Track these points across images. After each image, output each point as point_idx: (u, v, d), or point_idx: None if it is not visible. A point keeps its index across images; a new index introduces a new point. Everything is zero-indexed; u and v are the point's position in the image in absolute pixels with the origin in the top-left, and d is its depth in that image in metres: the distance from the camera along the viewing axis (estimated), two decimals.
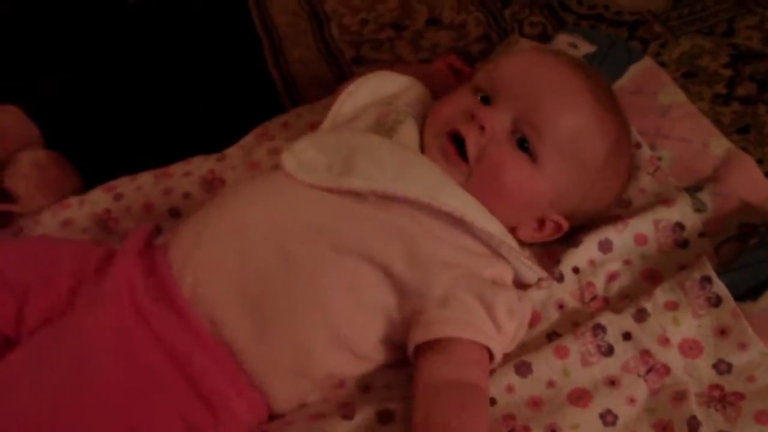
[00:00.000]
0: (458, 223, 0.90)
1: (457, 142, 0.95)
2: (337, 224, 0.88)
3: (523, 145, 0.94)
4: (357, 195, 0.89)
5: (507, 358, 0.91)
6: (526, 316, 0.93)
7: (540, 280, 0.96)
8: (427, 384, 0.85)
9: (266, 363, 0.86)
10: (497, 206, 0.92)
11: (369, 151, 0.92)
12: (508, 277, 0.94)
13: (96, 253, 0.93)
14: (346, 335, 0.87)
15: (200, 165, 1.14)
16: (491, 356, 0.88)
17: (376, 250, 0.87)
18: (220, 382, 0.84)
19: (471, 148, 0.93)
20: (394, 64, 1.36)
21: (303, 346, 0.87)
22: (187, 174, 1.13)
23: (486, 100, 0.96)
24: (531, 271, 0.95)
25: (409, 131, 0.98)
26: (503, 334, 0.88)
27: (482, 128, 0.93)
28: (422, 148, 0.98)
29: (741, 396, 0.88)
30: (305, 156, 0.92)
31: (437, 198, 0.88)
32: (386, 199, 0.88)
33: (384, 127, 0.98)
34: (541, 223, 0.97)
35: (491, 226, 0.91)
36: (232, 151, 1.16)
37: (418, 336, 0.86)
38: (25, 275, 0.90)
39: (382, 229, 0.88)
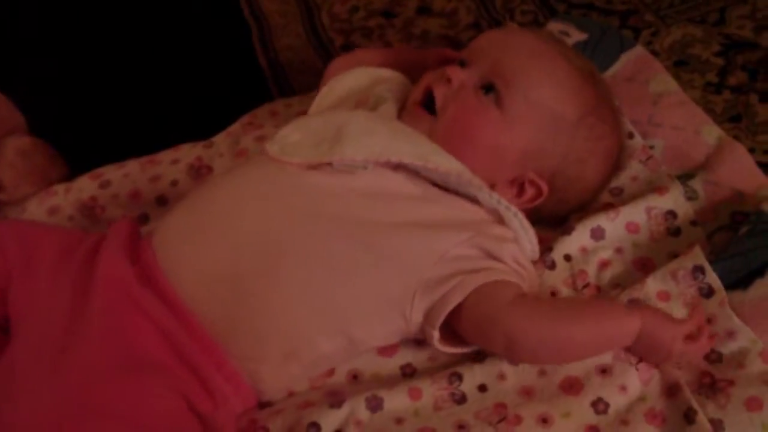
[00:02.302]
0: (451, 191, 0.90)
1: (429, 100, 0.96)
2: (327, 205, 0.88)
3: (490, 92, 0.94)
4: (348, 168, 0.88)
5: None
6: (533, 276, 0.93)
7: (533, 264, 0.95)
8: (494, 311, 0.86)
9: (255, 349, 0.85)
10: (466, 156, 0.92)
11: (359, 124, 0.92)
12: (509, 236, 0.93)
13: (81, 241, 0.92)
14: (340, 318, 0.86)
15: (188, 152, 1.13)
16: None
17: (370, 226, 0.87)
18: (209, 367, 0.84)
19: (438, 99, 0.95)
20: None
21: (295, 331, 0.86)
22: (174, 161, 1.12)
23: (462, 65, 0.98)
24: (527, 238, 0.93)
25: (390, 109, 0.99)
26: (517, 272, 0.89)
27: (449, 81, 0.95)
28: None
29: (731, 382, 0.87)
30: (290, 140, 0.92)
31: (432, 160, 0.89)
32: (379, 166, 0.88)
33: (366, 107, 0.99)
34: (520, 186, 0.96)
35: (483, 185, 0.91)
36: (220, 139, 1.15)
37: (446, 305, 0.86)
38: (8, 258, 0.89)
39: (375, 203, 0.88)
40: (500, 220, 0.93)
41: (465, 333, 0.88)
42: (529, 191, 0.97)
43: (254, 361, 0.86)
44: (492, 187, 0.94)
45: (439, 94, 0.95)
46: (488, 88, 0.94)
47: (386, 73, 1.07)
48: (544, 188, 0.96)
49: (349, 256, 0.86)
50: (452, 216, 0.91)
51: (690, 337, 0.86)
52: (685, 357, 0.87)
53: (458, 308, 0.86)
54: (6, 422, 0.79)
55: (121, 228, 0.91)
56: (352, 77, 1.06)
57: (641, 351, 0.88)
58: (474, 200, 0.92)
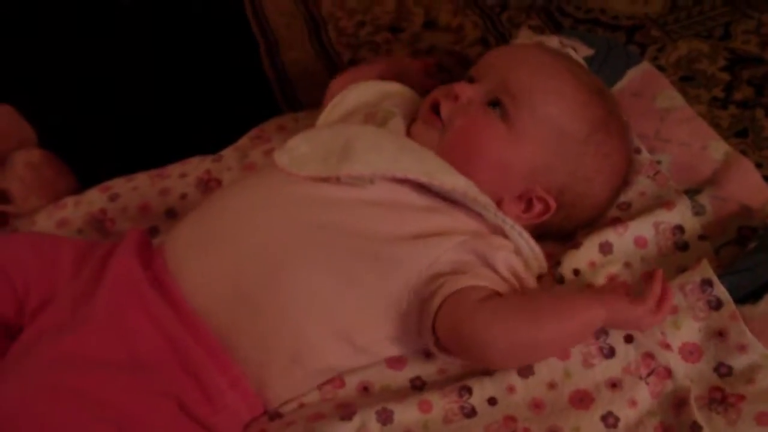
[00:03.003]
0: (458, 205, 0.91)
1: (437, 113, 0.97)
2: (333, 216, 0.88)
3: (496, 108, 0.95)
4: (356, 182, 0.89)
5: None
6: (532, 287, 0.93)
7: (540, 279, 0.96)
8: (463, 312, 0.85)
9: (260, 356, 0.86)
10: (473, 171, 0.92)
11: (367, 138, 0.92)
12: (510, 247, 0.93)
13: (94, 249, 0.93)
14: (345, 326, 0.87)
15: (197, 166, 1.14)
16: None
17: (376, 236, 0.87)
18: (214, 373, 0.84)
19: (444, 111, 0.96)
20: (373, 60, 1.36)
21: (300, 338, 0.87)
22: (183, 175, 1.12)
23: (471, 82, 0.98)
24: (533, 254, 0.94)
25: (397, 125, 0.99)
26: (507, 281, 0.89)
27: (457, 98, 0.96)
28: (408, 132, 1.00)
29: (741, 398, 0.87)
30: (298, 152, 0.92)
31: (437, 177, 0.89)
32: (386, 181, 0.89)
33: (374, 122, 0.99)
34: (528, 202, 0.97)
35: (491, 203, 0.91)
36: (229, 153, 1.16)
37: (430, 309, 0.86)
38: (28, 270, 0.90)
39: (381, 214, 0.89)
40: (504, 234, 0.93)
41: (444, 341, 0.87)
42: (537, 207, 0.97)
43: (260, 368, 0.86)
44: (499, 202, 0.94)
45: (446, 108, 0.96)
46: (495, 103, 0.95)
47: (394, 87, 1.08)
48: (552, 204, 0.97)
49: (353, 266, 0.87)
50: (456, 227, 0.91)
51: (652, 311, 0.87)
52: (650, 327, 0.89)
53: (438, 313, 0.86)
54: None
55: (134, 236, 0.92)
56: (359, 91, 1.06)
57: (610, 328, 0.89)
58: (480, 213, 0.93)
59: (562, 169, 0.96)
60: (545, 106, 0.95)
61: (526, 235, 0.93)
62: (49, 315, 0.87)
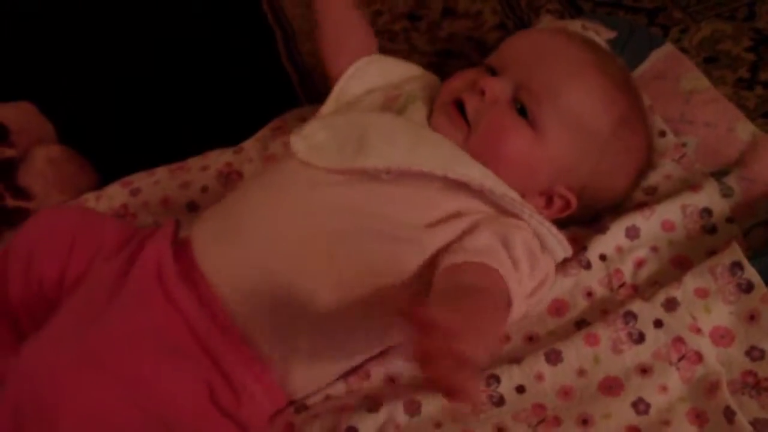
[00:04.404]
0: (476, 194, 0.89)
1: (461, 109, 0.94)
2: (352, 201, 0.88)
3: (523, 112, 0.92)
4: (371, 174, 0.88)
5: (537, 346, 0.90)
6: (549, 274, 0.92)
7: (566, 263, 0.95)
8: (443, 283, 0.81)
9: (286, 346, 0.86)
10: (497, 171, 0.91)
11: (381, 129, 0.92)
12: (529, 232, 0.91)
13: (137, 233, 0.94)
14: (365, 313, 0.86)
15: (217, 158, 1.13)
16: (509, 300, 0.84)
17: (395, 222, 0.86)
18: (238, 365, 0.84)
19: (470, 110, 0.93)
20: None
21: (323, 329, 0.86)
22: (204, 168, 1.12)
23: (493, 73, 0.96)
24: (556, 240, 0.92)
25: (418, 111, 0.98)
26: (520, 271, 0.85)
27: (482, 93, 0.93)
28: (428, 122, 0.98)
29: None
30: (315, 139, 0.92)
31: (452, 169, 0.88)
32: (402, 175, 0.88)
33: (393, 108, 0.98)
34: (549, 198, 0.96)
35: (511, 193, 0.90)
36: (249, 144, 1.15)
37: (440, 268, 0.84)
38: (76, 231, 0.93)
39: (398, 203, 0.88)
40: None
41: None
42: (558, 203, 0.96)
43: (284, 360, 0.86)
44: (521, 197, 0.93)
45: (471, 106, 0.94)
46: (521, 106, 0.93)
47: (417, 70, 1.07)
48: (573, 202, 0.96)
49: (373, 251, 0.86)
50: (473, 209, 0.90)
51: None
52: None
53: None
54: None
55: (170, 226, 0.92)
56: (382, 68, 1.05)
57: None
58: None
59: (585, 168, 0.95)
60: (572, 108, 0.93)
61: (547, 223, 0.92)
62: (84, 293, 0.87)
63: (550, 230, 0.92)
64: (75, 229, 0.93)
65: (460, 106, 0.94)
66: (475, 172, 0.89)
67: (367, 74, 1.04)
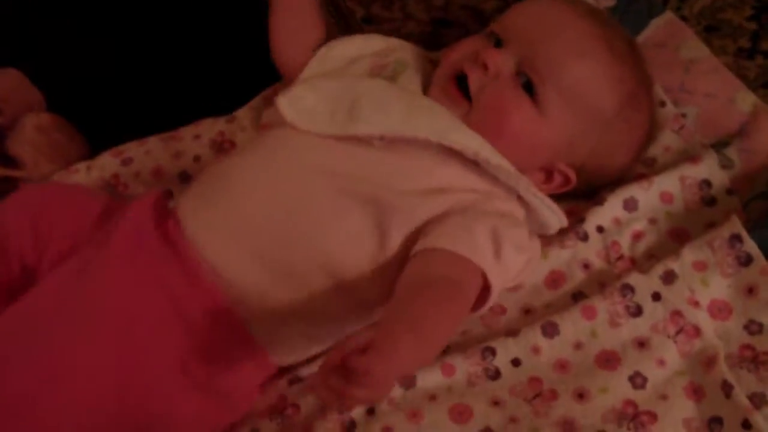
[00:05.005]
0: (470, 164, 0.88)
1: (462, 82, 0.92)
2: (342, 165, 0.87)
3: (527, 88, 0.91)
4: (364, 140, 0.87)
5: (533, 318, 0.89)
6: (536, 252, 0.91)
7: (563, 235, 0.93)
8: (411, 273, 0.81)
9: (265, 305, 0.85)
10: (498, 148, 0.89)
11: (374, 96, 0.90)
12: (519, 215, 0.91)
13: (121, 204, 0.93)
14: (346, 274, 0.85)
15: (210, 127, 1.12)
16: (487, 288, 0.83)
17: (381, 187, 0.85)
18: (224, 334, 0.84)
19: (472, 85, 0.91)
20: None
21: (301, 284, 0.85)
22: (196, 137, 1.11)
23: (498, 44, 0.94)
24: (550, 211, 0.92)
25: (411, 79, 0.96)
26: (503, 265, 0.84)
27: (485, 67, 0.91)
28: (426, 94, 0.96)
29: None
30: (304, 103, 0.91)
31: (447, 137, 0.86)
32: (395, 142, 0.86)
33: (383, 76, 0.96)
34: (549, 174, 0.94)
35: (506, 164, 0.88)
36: (242, 113, 1.14)
37: (416, 247, 0.83)
38: (55, 210, 0.92)
39: (389, 169, 0.86)
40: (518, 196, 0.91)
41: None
42: (557, 179, 0.95)
43: (267, 319, 0.85)
44: (520, 171, 0.91)
45: (475, 80, 0.91)
46: (525, 82, 0.91)
47: (397, 42, 1.05)
48: (573, 178, 0.94)
49: (359, 213, 0.85)
50: (466, 184, 0.88)
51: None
52: None
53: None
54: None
55: (152, 194, 0.91)
56: (363, 39, 1.04)
57: None
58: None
59: (587, 145, 0.94)
60: (576, 87, 0.91)
61: (540, 195, 0.91)
62: (70, 264, 0.87)
63: (544, 201, 0.91)
64: (51, 207, 0.92)
65: (460, 79, 0.93)
66: (470, 141, 0.87)
67: (347, 49, 1.02)
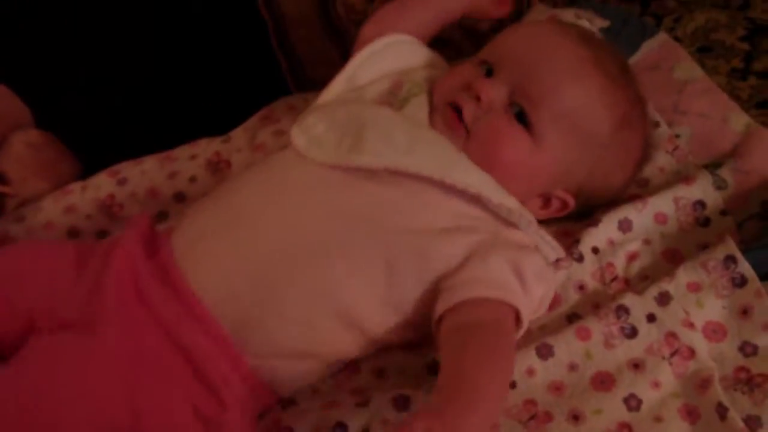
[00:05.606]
0: (473, 199, 0.87)
1: (459, 112, 0.92)
2: (348, 202, 0.86)
3: (521, 117, 0.91)
4: (368, 171, 0.86)
5: (527, 340, 0.89)
6: (554, 281, 0.91)
7: (559, 260, 0.93)
8: (453, 328, 0.81)
9: (273, 345, 0.84)
10: (495, 177, 0.89)
11: (379, 126, 0.90)
12: (530, 242, 0.91)
13: (96, 247, 0.91)
14: (355, 315, 0.85)
15: (206, 147, 1.12)
16: (518, 321, 0.85)
17: (388, 226, 0.85)
18: (223, 366, 0.83)
19: (467, 117, 0.91)
20: None
21: (314, 330, 0.85)
22: (192, 157, 1.11)
23: (489, 72, 0.94)
24: (550, 247, 0.92)
25: (420, 105, 0.96)
26: (530, 296, 0.85)
27: (478, 99, 0.91)
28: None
29: (767, 378, 0.85)
30: (315, 131, 0.91)
31: (450, 175, 0.86)
32: (398, 175, 0.86)
33: (396, 98, 0.96)
34: (546, 199, 0.95)
35: (508, 201, 0.88)
36: (238, 133, 1.14)
37: (443, 304, 0.83)
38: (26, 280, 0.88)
39: (394, 205, 0.86)
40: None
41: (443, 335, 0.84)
42: (555, 204, 0.95)
43: (272, 358, 0.85)
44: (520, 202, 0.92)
45: (468, 112, 0.91)
46: (518, 112, 0.91)
47: (430, 58, 1.04)
48: (571, 203, 0.95)
49: (367, 254, 0.85)
50: (474, 222, 0.88)
51: None
52: None
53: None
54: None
55: (138, 225, 0.90)
56: (396, 52, 1.03)
57: None
58: None
59: (584, 170, 0.94)
60: (570, 113, 0.91)
61: (542, 232, 0.91)
62: (59, 319, 0.84)
63: (544, 238, 0.91)
64: (20, 269, 0.89)
65: (457, 109, 0.93)
66: (473, 178, 0.87)
67: (385, 57, 1.01)
